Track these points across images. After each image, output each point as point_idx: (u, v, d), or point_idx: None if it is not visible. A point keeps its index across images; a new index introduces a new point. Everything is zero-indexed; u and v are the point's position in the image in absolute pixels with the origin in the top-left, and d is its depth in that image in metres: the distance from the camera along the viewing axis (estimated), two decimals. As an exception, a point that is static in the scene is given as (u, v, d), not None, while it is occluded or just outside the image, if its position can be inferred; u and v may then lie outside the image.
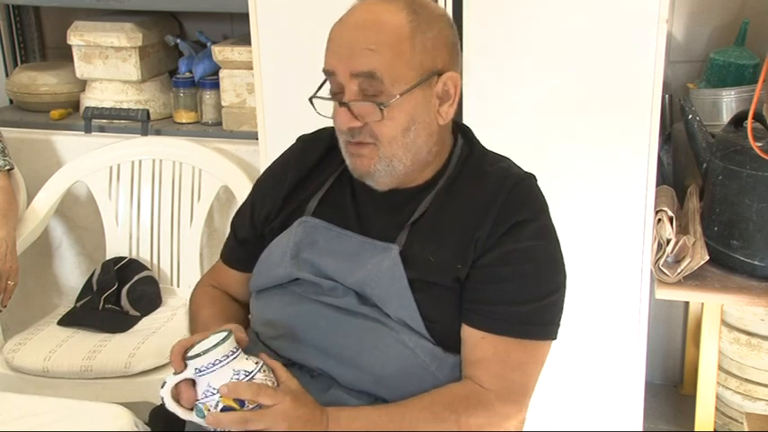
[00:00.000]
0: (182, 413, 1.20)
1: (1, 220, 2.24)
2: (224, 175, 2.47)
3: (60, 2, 2.76)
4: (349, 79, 1.27)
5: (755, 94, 1.94)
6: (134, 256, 2.52)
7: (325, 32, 1.30)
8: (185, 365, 1.20)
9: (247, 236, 1.49)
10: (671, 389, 2.74)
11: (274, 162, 1.53)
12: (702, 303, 2.16)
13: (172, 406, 1.20)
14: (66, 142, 2.66)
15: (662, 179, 2.32)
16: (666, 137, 2.41)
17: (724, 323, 2.27)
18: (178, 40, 2.75)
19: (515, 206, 1.31)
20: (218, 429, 1.17)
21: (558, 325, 1.34)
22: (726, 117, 2.22)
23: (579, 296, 2.05)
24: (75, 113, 2.82)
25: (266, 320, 1.40)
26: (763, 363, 2.25)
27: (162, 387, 1.20)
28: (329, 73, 1.29)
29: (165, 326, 2.32)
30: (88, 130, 2.67)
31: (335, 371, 1.31)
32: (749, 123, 1.95)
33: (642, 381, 2.12)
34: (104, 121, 2.70)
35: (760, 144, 1.94)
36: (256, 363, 1.21)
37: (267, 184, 1.50)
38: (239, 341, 1.22)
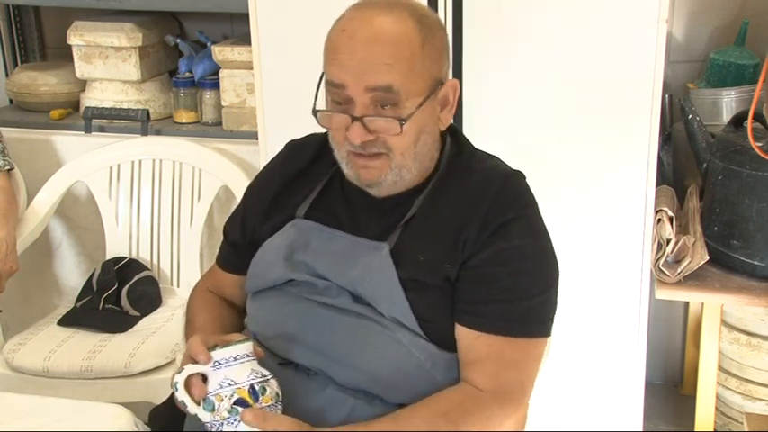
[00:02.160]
0: (189, 404, 1.20)
1: (1, 220, 2.24)
2: (224, 175, 2.47)
3: (60, 2, 2.76)
4: (363, 93, 1.24)
5: (755, 94, 1.94)
6: (134, 256, 2.52)
7: (325, 32, 1.29)
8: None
9: (238, 241, 1.50)
10: (671, 389, 2.74)
11: (263, 168, 1.53)
12: (702, 303, 2.16)
13: (183, 394, 1.20)
14: (67, 142, 2.65)
15: (662, 179, 2.32)
16: (666, 137, 2.41)
17: (724, 323, 2.27)
18: (178, 40, 2.75)
19: (502, 206, 1.31)
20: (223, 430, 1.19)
21: (552, 321, 1.34)
22: (726, 117, 2.22)
23: (579, 296, 2.06)
24: (75, 113, 2.82)
25: (262, 321, 1.41)
26: (763, 363, 2.25)
27: (178, 373, 1.21)
28: (337, 86, 1.26)
29: (165, 326, 2.32)
30: (88, 130, 2.67)
31: (331, 370, 1.31)
32: (749, 123, 1.95)
33: (642, 381, 2.12)
34: (104, 121, 2.69)
35: (760, 144, 1.94)
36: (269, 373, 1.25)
37: (256, 190, 1.51)
38: (256, 354, 1.25)
